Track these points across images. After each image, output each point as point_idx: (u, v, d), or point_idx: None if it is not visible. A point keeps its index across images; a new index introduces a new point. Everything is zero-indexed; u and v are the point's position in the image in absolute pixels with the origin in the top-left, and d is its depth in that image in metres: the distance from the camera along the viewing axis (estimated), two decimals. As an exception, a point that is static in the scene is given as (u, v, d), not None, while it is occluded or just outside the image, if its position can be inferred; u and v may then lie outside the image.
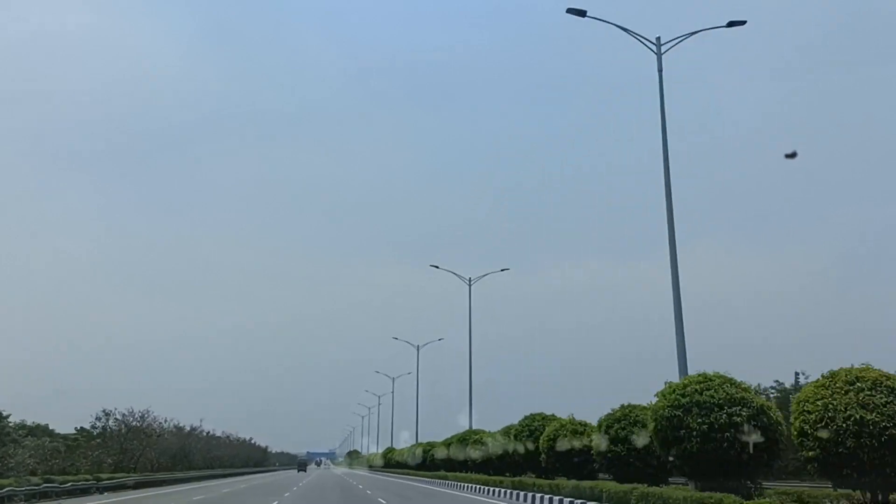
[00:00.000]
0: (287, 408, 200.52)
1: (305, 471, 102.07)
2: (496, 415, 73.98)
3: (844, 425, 13.30)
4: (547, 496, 23.72)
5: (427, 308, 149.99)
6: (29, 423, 44.83)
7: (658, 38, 23.06)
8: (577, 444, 25.12)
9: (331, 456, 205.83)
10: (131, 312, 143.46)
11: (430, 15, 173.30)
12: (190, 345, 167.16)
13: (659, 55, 22.84)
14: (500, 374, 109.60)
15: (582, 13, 23.01)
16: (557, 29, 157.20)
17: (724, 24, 23.12)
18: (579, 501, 20.91)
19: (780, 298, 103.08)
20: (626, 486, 18.49)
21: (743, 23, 23.09)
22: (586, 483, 21.78)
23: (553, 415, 30.06)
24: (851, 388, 13.74)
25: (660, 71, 22.73)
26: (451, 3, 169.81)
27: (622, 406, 21.98)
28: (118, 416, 49.57)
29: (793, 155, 11.45)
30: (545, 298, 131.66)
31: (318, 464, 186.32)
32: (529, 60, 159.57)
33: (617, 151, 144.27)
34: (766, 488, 17.08)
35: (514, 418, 32.46)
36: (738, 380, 16.72)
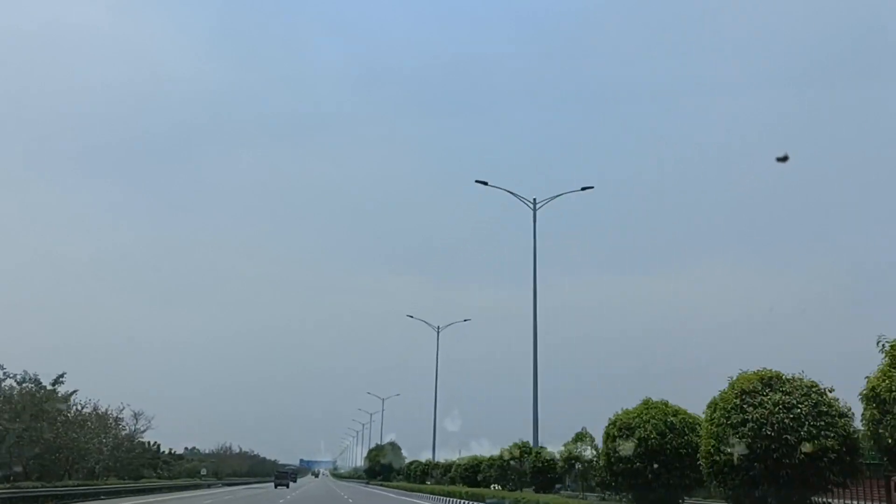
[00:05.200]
0: (288, 417, 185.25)
1: (288, 485, 75.12)
2: (500, 426, 74.84)
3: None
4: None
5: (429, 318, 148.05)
6: None
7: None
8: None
9: (330, 465, 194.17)
10: (129, 315, 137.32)
11: (437, 20, 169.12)
12: (189, 350, 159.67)
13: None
14: (501, 387, 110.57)
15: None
16: (566, 32, 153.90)
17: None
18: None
19: (787, 317, 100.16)
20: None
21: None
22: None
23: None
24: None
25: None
26: (460, 8, 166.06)
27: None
28: None
29: (784, 158, 11.31)
30: (548, 313, 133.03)
31: (316, 475, 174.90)
32: (537, 67, 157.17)
33: (622, 164, 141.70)
34: None
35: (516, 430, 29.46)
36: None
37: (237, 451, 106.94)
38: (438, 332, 60.72)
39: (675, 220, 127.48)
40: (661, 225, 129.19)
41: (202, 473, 71.37)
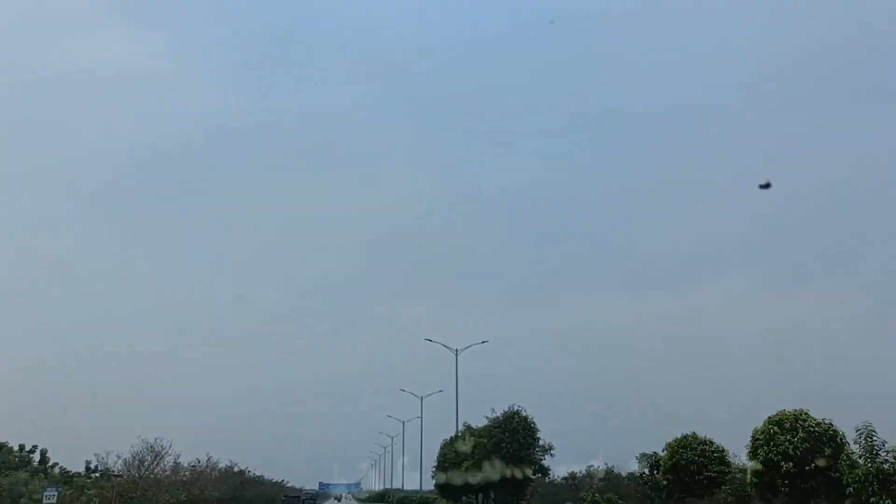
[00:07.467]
0: (306, 441, 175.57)
1: None
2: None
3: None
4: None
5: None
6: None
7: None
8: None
9: (354, 488, 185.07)
10: (144, 352, 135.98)
11: (456, 45, 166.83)
12: (204, 384, 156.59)
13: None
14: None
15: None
16: (584, 54, 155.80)
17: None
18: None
19: (811, 337, 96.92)
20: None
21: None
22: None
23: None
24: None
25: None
26: (482, 33, 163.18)
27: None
28: None
29: (767, 185, 11.59)
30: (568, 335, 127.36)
31: (339, 499, 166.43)
32: (558, 93, 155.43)
33: (637, 180, 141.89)
34: None
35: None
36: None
37: (205, 463, 50.42)
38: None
39: (691, 235, 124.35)
40: (678, 239, 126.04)
41: (47, 497, 30.79)
